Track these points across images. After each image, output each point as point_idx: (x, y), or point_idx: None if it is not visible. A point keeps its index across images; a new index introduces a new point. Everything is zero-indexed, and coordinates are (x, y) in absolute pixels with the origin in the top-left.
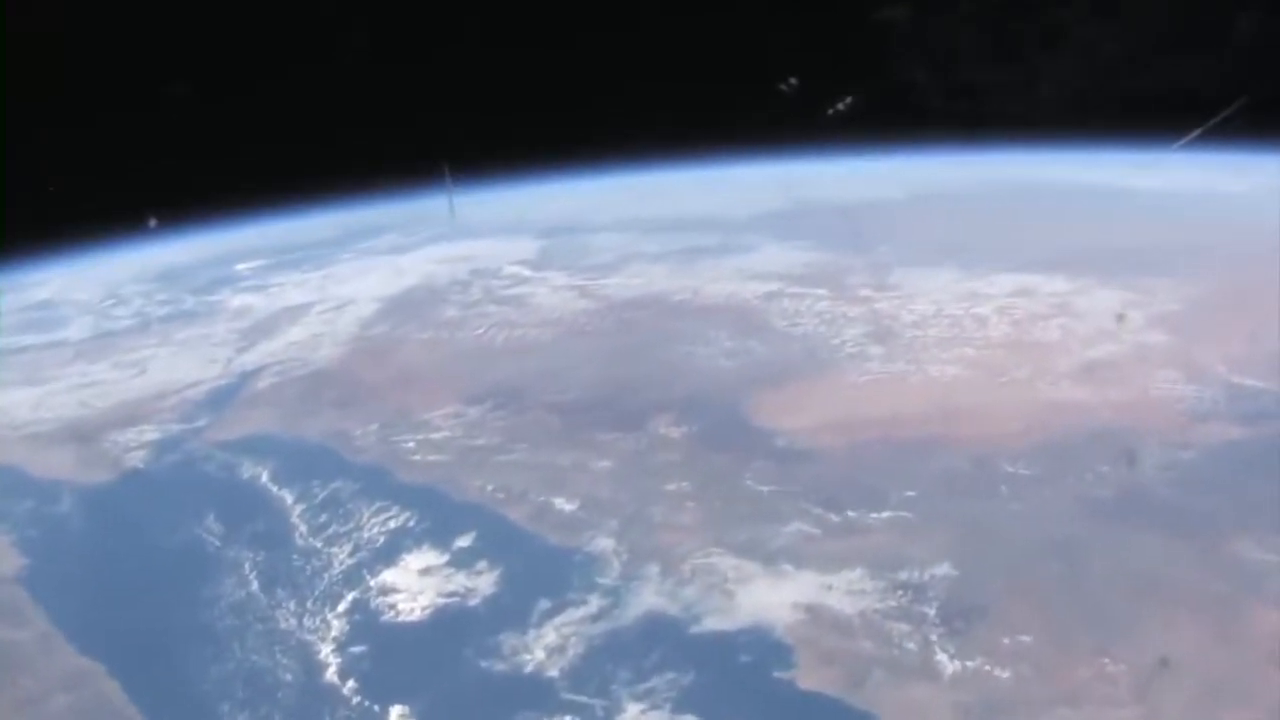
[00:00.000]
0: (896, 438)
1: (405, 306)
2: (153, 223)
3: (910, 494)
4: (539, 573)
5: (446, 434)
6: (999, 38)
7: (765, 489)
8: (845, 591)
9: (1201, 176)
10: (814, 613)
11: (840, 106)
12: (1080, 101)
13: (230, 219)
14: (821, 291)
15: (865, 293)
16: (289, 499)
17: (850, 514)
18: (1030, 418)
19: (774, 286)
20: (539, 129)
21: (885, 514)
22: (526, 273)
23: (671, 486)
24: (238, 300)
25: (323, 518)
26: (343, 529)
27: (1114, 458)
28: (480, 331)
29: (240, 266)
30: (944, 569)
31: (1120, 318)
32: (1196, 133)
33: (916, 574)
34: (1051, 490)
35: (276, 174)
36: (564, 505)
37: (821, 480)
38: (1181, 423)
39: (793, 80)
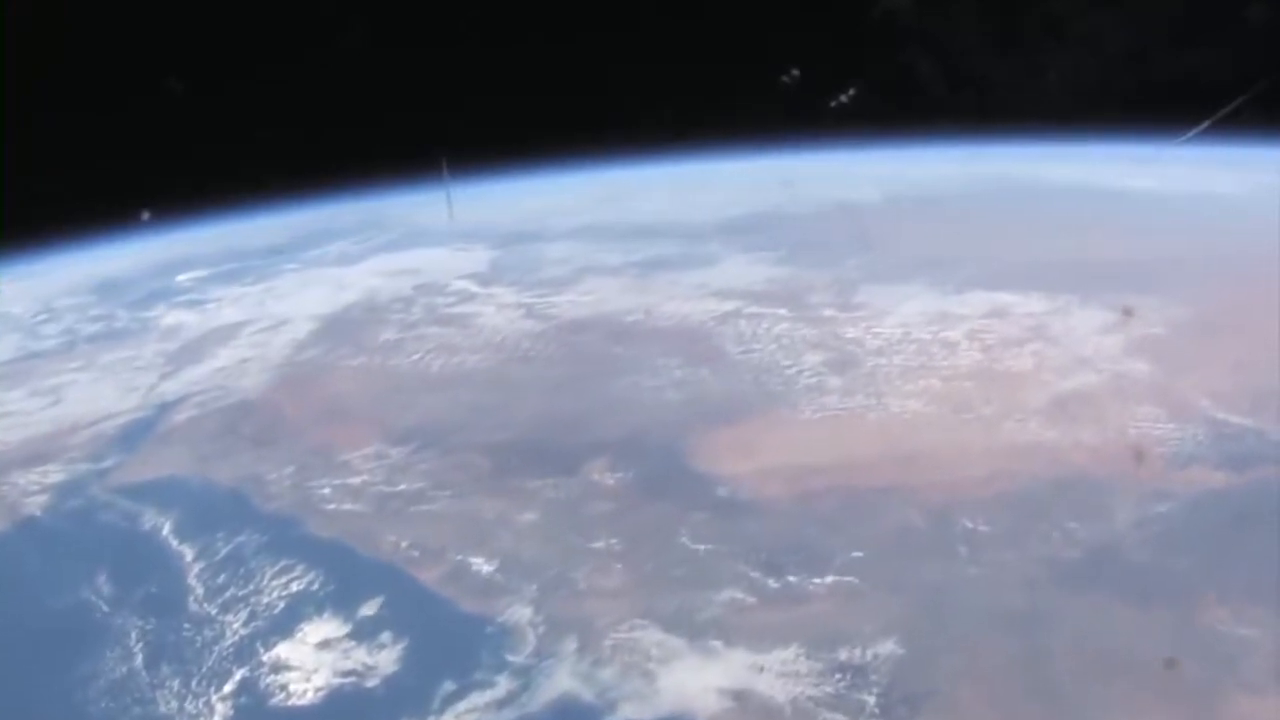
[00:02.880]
0: (848, 486)
1: (342, 327)
2: (146, 216)
3: (858, 555)
4: (447, 647)
5: (366, 478)
6: (1003, 29)
7: (701, 548)
8: (778, 674)
9: (1203, 175)
10: (741, 700)
11: (843, 98)
12: (1086, 93)
13: (189, 220)
14: (782, 311)
15: (828, 313)
16: (189, 555)
17: (790, 579)
18: (995, 463)
19: (732, 305)
20: (529, 122)
21: (829, 579)
22: (474, 288)
23: (600, 544)
24: (171, 317)
25: (221, 578)
26: (241, 592)
27: (1083, 513)
28: (416, 357)
29: (181, 278)
30: (889, 647)
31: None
32: (1204, 125)
33: (858, 653)
34: (1013, 551)
35: (245, 173)
36: (482, 566)
37: (762, 538)
38: (1159, 468)
39: (794, 71)
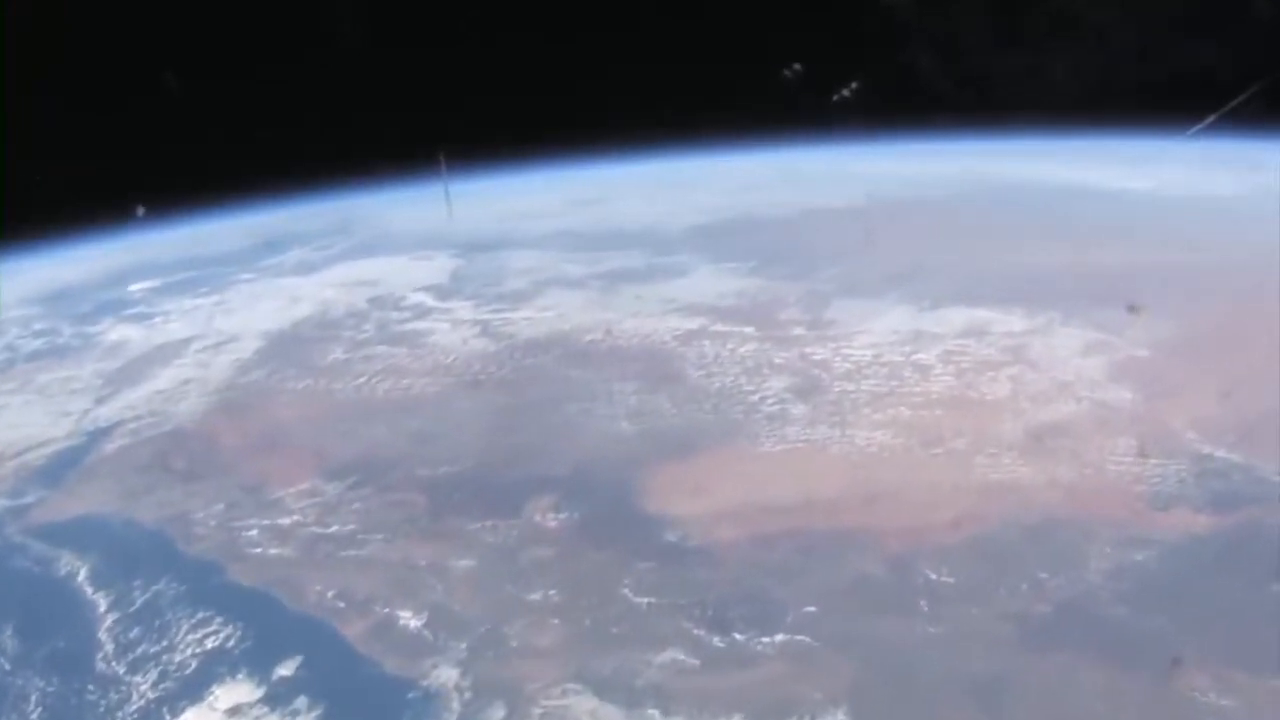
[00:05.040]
0: (805, 530)
1: (290, 345)
2: (141, 212)
3: (811, 609)
4: (365, 714)
5: (297, 518)
6: (1006, 23)
7: (644, 601)
8: None
9: (1203, 176)
10: None
11: (845, 93)
12: (1089, 90)
13: (174, 220)
14: (748, 330)
15: (797, 331)
16: (102, 605)
17: (737, 637)
18: (963, 504)
19: (697, 323)
20: (528, 122)
21: (779, 637)
22: (431, 302)
23: (536, 596)
24: (116, 333)
25: (134, 632)
26: (153, 648)
27: (1055, 562)
28: (362, 381)
29: (133, 287)
30: (839, 718)
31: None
32: (1210, 119)
33: None
34: (979, 606)
35: (242, 173)
36: (410, 620)
37: (710, 589)
38: (1139, 510)
39: (796, 66)
